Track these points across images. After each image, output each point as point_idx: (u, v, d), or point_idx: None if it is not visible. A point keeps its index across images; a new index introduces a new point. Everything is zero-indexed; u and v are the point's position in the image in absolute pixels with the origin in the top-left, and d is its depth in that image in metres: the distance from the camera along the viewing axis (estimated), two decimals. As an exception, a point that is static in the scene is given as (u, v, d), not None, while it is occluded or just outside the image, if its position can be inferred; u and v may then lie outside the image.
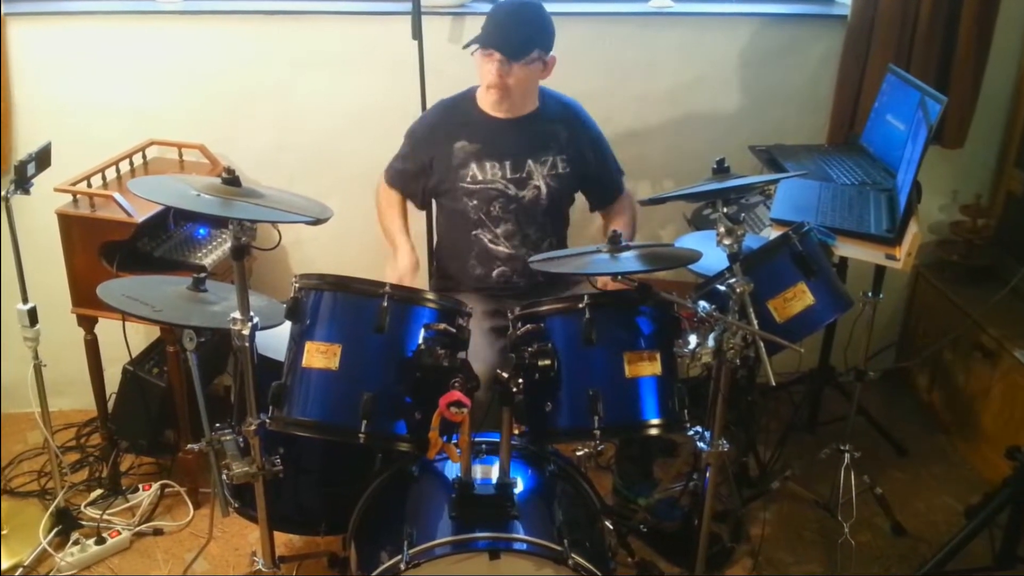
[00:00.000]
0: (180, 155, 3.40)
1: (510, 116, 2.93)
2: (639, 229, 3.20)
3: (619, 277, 2.27)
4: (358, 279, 2.23)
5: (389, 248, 3.03)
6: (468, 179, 2.92)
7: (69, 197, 2.95)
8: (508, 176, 2.93)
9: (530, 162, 2.94)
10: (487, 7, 3.35)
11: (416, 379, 2.18)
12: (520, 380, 2.15)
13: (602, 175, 3.10)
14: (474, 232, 2.96)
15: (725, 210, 2.22)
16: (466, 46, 2.83)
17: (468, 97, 2.99)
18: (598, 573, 2.16)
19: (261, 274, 3.55)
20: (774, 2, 3.73)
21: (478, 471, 2.32)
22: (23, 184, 2.58)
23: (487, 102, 2.92)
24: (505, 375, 2.13)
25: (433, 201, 3.12)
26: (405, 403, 2.20)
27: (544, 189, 2.95)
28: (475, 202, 2.93)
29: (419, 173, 3.02)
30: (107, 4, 3.35)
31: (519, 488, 2.30)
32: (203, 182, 2.12)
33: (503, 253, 2.97)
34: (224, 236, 3.16)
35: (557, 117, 3.00)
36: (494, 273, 2.98)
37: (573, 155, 2.99)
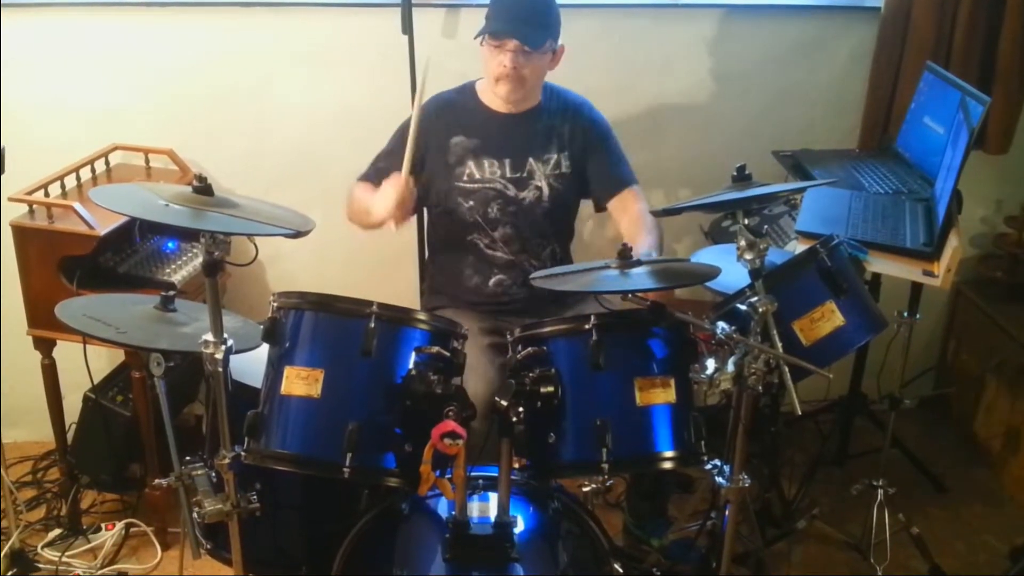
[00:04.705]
0: (147, 161, 3.41)
1: (512, 111, 2.96)
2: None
3: (629, 296, 2.27)
4: (342, 298, 2.23)
5: (373, 226, 2.85)
6: (465, 177, 2.94)
7: (24, 207, 2.96)
8: (508, 175, 2.95)
9: (531, 160, 2.96)
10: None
11: (406, 408, 2.17)
12: (520, 409, 2.15)
13: (609, 173, 3.05)
14: (469, 237, 2.98)
15: (746, 221, 2.22)
16: (478, 36, 2.83)
17: (467, 91, 3.03)
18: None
19: (236, 292, 3.55)
20: (800, -7, 3.75)
21: (474, 509, 2.32)
22: (-26, 193, 2.60)
23: (496, 96, 2.93)
24: (504, 403, 2.13)
25: (425, 210, 3.13)
26: (394, 434, 2.20)
27: (546, 190, 2.97)
28: (471, 203, 2.95)
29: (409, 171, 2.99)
30: (66, -6, 3.35)
31: (519, 527, 2.30)
32: (172, 191, 2.13)
33: (501, 259, 2.98)
34: (195, 250, 3.17)
35: (560, 112, 3.02)
36: (491, 282, 2.99)
37: (576, 153, 3.01)
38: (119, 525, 3.22)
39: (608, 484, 2.52)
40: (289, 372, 2.18)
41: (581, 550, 2.42)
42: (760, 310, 2.15)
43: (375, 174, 2.98)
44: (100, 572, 3.07)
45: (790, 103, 3.70)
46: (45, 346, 3.09)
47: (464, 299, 3.03)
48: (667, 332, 2.28)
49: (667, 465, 2.28)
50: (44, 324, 3.01)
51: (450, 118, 2.98)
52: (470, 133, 2.95)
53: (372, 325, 2.17)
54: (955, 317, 4.01)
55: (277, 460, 2.19)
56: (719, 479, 2.33)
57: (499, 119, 2.96)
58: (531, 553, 2.27)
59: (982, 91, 2.96)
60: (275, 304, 2.25)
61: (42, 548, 3.13)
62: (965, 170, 2.74)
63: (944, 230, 2.79)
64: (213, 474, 2.27)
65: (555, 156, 2.99)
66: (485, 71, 2.92)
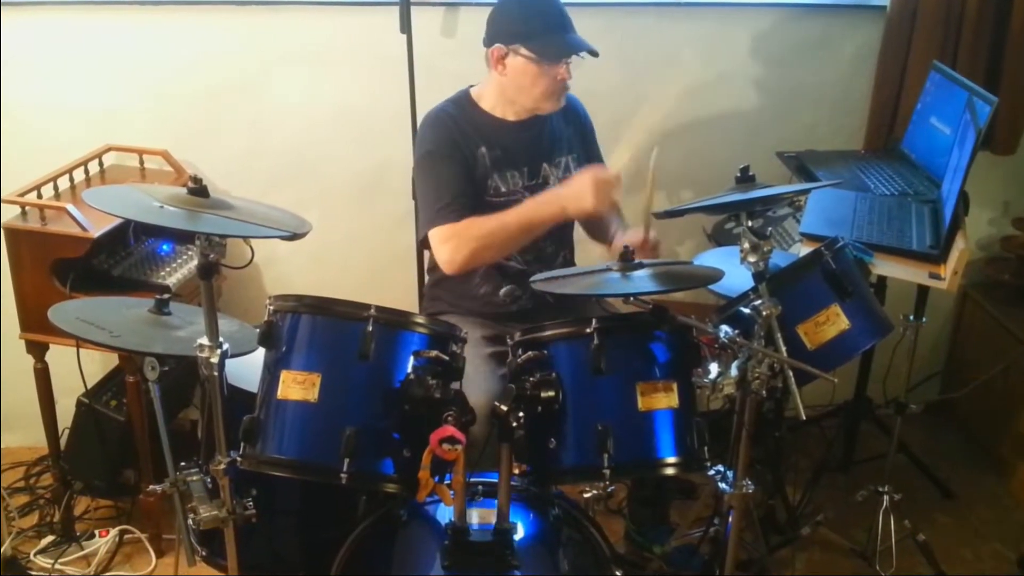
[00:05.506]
0: (141, 162, 3.41)
1: (518, 119, 2.92)
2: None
3: (632, 299, 2.27)
4: (340, 301, 2.23)
5: (534, 221, 2.76)
6: (492, 192, 2.89)
7: (17, 209, 2.96)
8: (526, 183, 2.93)
9: (545, 166, 2.95)
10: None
11: (404, 412, 2.17)
12: (521, 413, 2.14)
13: None
14: None
15: (750, 224, 2.22)
16: (547, 61, 2.75)
17: (464, 102, 2.95)
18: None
19: (231, 295, 3.55)
20: (804, -9, 3.76)
21: (474, 515, 2.32)
22: (-34, 195, 2.60)
23: (540, 110, 2.87)
24: (504, 408, 2.12)
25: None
26: (392, 439, 2.19)
27: None
28: None
29: (470, 177, 2.85)
30: (59, -8, 3.35)
31: (519, 534, 2.29)
32: (167, 192, 2.13)
33: (514, 269, 2.96)
34: (190, 253, 3.17)
35: (562, 113, 3.00)
36: (501, 292, 2.97)
37: (580, 153, 3.02)
38: (113, 532, 3.22)
39: (609, 490, 2.52)
40: (286, 376, 2.17)
41: (582, 557, 2.41)
42: (764, 313, 2.15)
43: (462, 202, 2.77)
44: (94, 579, 3.08)
45: (794, 103, 3.70)
46: (38, 350, 3.09)
47: (469, 307, 3.01)
48: (670, 336, 2.28)
49: (669, 471, 2.27)
50: (37, 328, 3.00)
51: (467, 128, 2.88)
52: (490, 144, 2.89)
53: (370, 328, 2.16)
54: (962, 320, 4.00)
55: (273, 465, 2.18)
56: (722, 485, 2.32)
57: (510, 128, 2.92)
58: (531, 560, 2.26)
59: (989, 91, 2.96)
60: (271, 307, 2.24)
61: (35, 555, 3.13)
62: (972, 171, 2.75)
63: (950, 232, 2.79)
64: (208, 480, 2.26)
65: (564, 159, 2.98)
66: (527, 88, 2.81)
